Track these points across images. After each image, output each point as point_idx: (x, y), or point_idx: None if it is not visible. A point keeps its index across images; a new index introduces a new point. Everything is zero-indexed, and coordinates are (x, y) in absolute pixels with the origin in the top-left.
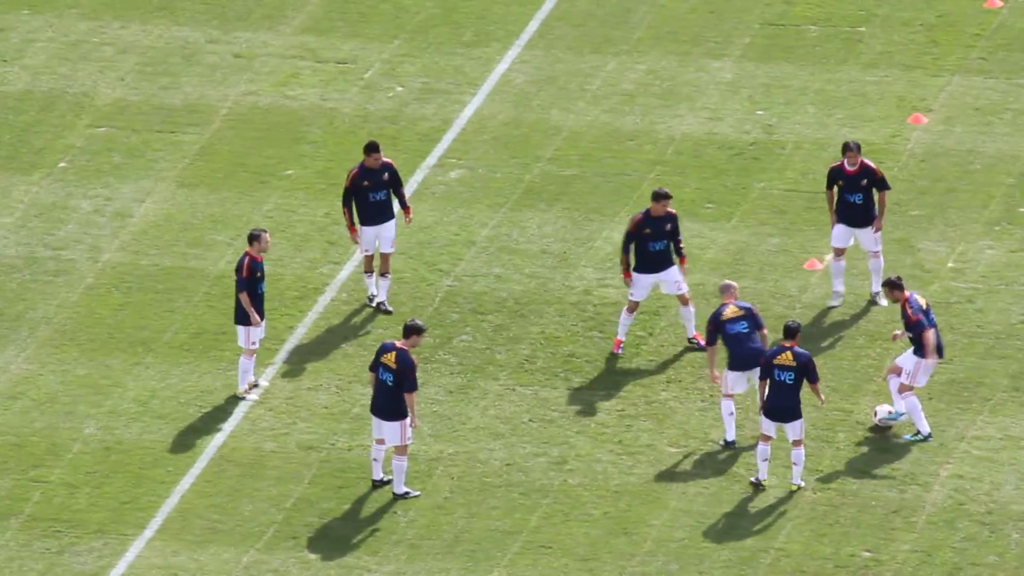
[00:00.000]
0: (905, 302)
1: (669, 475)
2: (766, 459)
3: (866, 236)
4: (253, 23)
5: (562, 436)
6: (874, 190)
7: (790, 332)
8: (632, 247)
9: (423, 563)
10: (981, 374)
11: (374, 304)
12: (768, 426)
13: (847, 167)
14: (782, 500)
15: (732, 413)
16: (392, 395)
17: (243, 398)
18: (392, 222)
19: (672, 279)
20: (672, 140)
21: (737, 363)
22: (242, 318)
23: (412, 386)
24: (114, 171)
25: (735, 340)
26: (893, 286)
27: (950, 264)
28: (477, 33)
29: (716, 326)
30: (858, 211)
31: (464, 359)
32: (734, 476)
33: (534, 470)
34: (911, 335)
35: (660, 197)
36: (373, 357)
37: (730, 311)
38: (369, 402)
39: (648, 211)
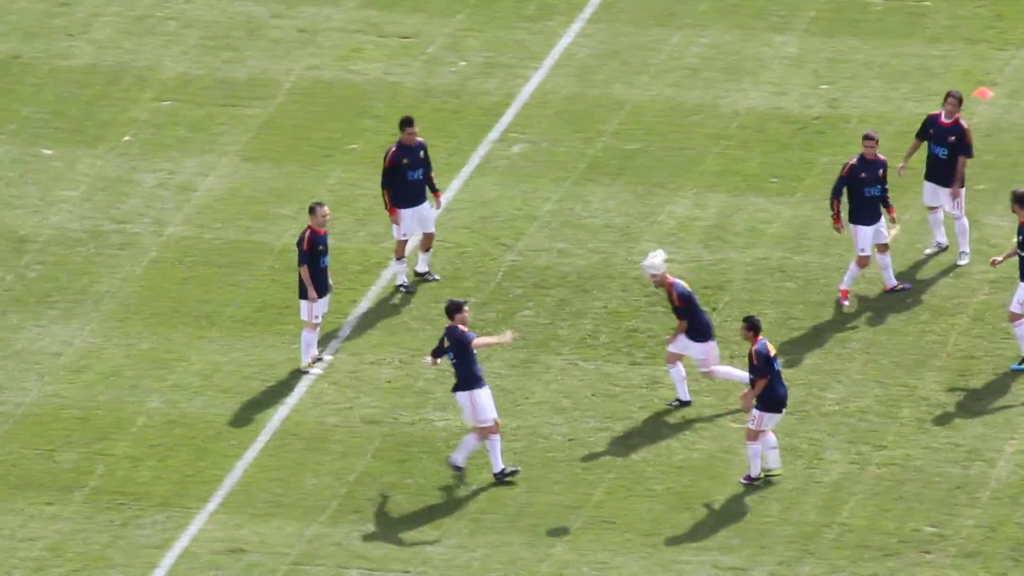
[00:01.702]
0: None
1: (732, 450)
2: (759, 456)
3: (944, 195)
4: None
5: (625, 411)
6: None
7: (758, 326)
8: (844, 193)
9: (485, 537)
10: None
11: (411, 290)
12: (771, 421)
13: (943, 118)
14: (845, 475)
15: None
16: (459, 369)
17: (306, 372)
18: (427, 203)
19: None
20: (736, 114)
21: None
22: (305, 292)
23: (468, 338)
24: (178, 145)
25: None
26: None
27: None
28: (540, 7)
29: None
30: (942, 166)
31: (527, 334)
32: (796, 451)
33: (597, 445)
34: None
35: (869, 138)
36: (438, 344)
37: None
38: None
39: (862, 155)
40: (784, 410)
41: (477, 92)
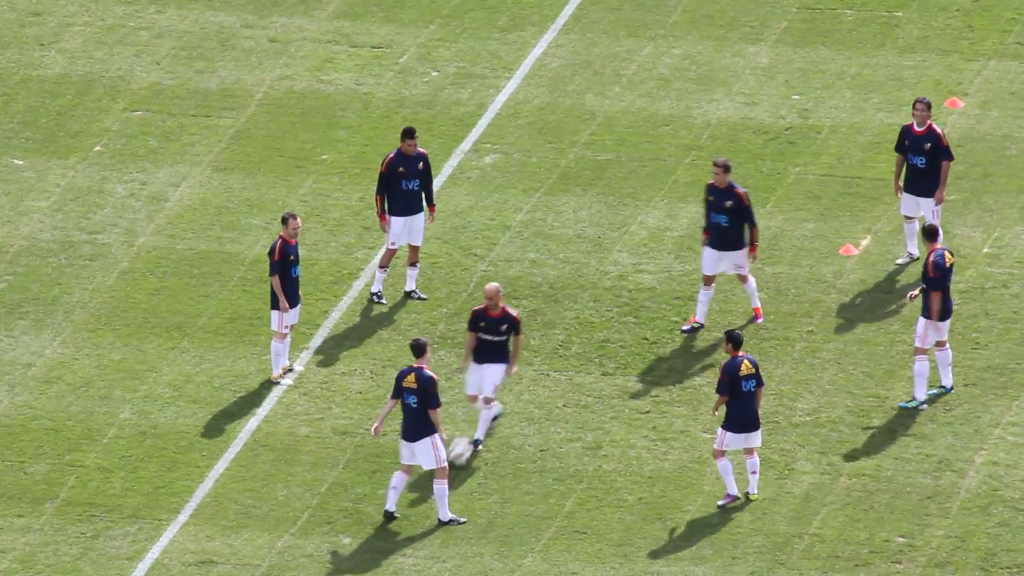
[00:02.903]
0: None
1: (703, 460)
2: (731, 472)
3: (926, 205)
4: (288, 8)
5: (596, 422)
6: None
7: (739, 342)
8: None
9: (457, 548)
10: (1016, 360)
11: (382, 300)
12: (732, 441)
13: (915, 127)
14: (816, 486)
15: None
16: (418, 416)
17: (277, 383)
18: (421, 214)
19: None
20: (708, 125)
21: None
22: (276, 302)
23: (435, 402)
24: (149, 155)
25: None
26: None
27: (986, 249)
28: (512, 17)
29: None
30: (920, 175)
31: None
32: (768, 462)
33: (568, 455)
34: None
35: (716, 165)
36: (393, 386)
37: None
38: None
39: (711, 183)
40: (747, 433)
41: (449, 102)
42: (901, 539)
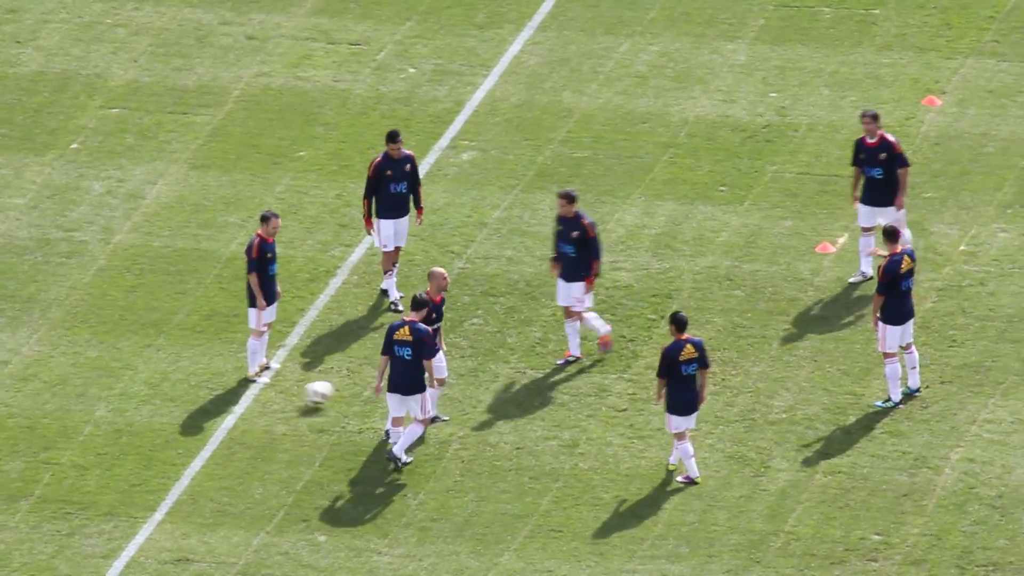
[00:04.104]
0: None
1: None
2: (692, 455)
3: (889, 215)
4: (266, 5)
5: (573, 420)
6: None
7: (684, 324)
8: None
9: (433, 546)
10: (993, 357)
11: (399, 308)
12: (680, 423)
13: (867, 139)
14: (792, 483)
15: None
16: (412, 369)
17: (254, 380)
18: (407, 217)
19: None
20: (685, 122)
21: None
22: (253, 300)
23: (432, 352)
24: (126, 152)
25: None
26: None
27: (962, 247)
28: (490, 14)
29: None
30: (878, 187)
31: (475, 342)
32: (744, 460)
33: (545, 454)
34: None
35: (562, 197)
36: (384, 341)
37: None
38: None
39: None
40: (689, 414)
41: (427, 99)
42: (877, 537)
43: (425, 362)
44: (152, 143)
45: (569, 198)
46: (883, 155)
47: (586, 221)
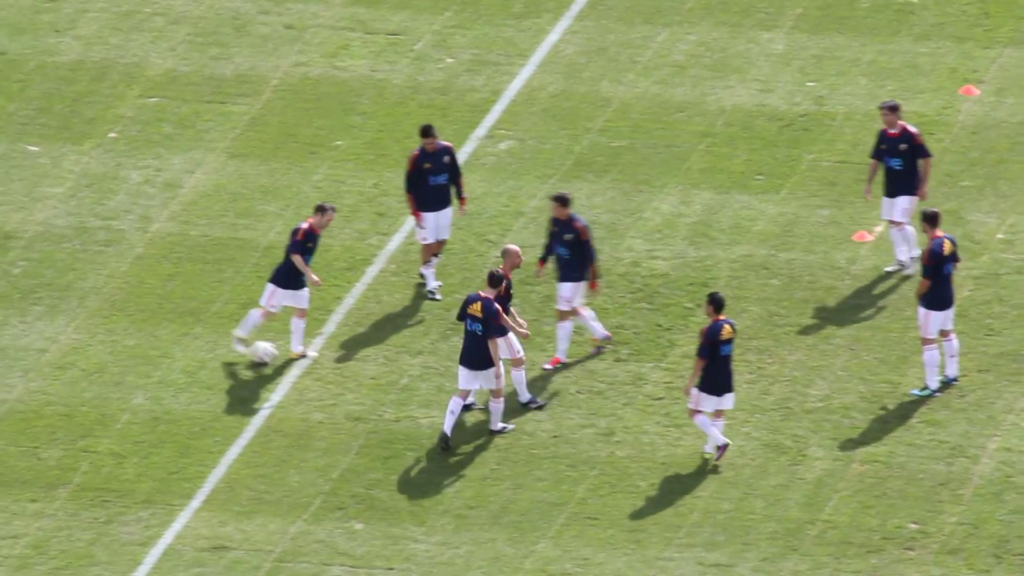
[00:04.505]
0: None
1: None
2: (710, 425)
3: (899, 204)
4: None
5: (609, 408)
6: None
7: (721, 304)
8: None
9: (469, 533)
10: None
11: (437, 297)
12: (708, 403)
13: (888, 130)
14: (828, 472)
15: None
16: (483, 345)
17: (303, 356)
18: (450, 209)
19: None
20: (722, 112)
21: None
22: (288, 280)
23: (496, 331)
24: (164, 141)
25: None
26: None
27: (1000, 235)
28: (527, 4)
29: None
30: (897, 177)
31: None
32: (780, 447)
33: (581, 442)
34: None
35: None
36: (459, 308)
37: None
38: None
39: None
40: (722, 395)
41: (464, 89)
42: (913, 525)
43: (489, 341)
44: (190, 132)
45: (562, 200)
46: (904, 145)
47: (579, 224)
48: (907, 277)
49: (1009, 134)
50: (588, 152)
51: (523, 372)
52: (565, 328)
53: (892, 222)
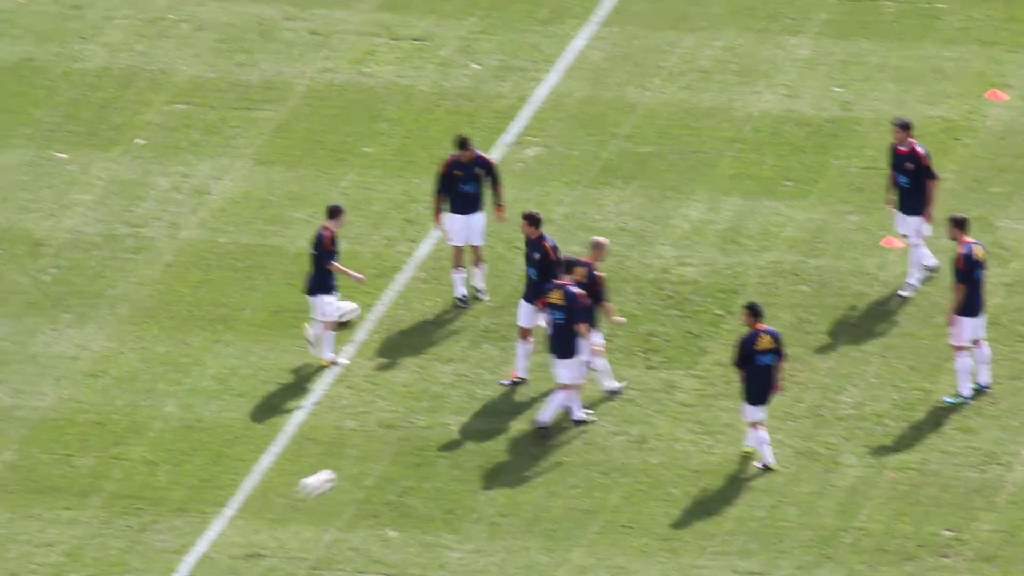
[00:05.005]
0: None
1: (749, 454)
2: (767, 442)
3: (909, 223)
4: (329, 0)
5: (641, 415)
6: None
7: (759, 313)
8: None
9: (503, 541)
10: None
11: (465, 303)
12: (754, 412)
13: (898, 146)
14: (862, 479)
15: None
16: (564, 332)
17: (334, 363)
18: (481, 214)
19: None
20: (750, 117)
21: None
22: (326, 287)
23: (585, 316)
24: (191, 148)
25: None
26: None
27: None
28: (553, 10)
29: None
30: (905, 194)
31: (542, 338)
32: (814, 455)
33: (614, 449)
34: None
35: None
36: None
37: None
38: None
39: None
40: (764, 403)
41: (490, 95)
42: (948, 533)
43: (579, 326)
44: (217, 139)
45: (532, 220)
46: (909, 164)
47: (548, 244)
48: (934, 284)
49: None
50: (615, 158)
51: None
52: (527, 347)
53: (904, 235)
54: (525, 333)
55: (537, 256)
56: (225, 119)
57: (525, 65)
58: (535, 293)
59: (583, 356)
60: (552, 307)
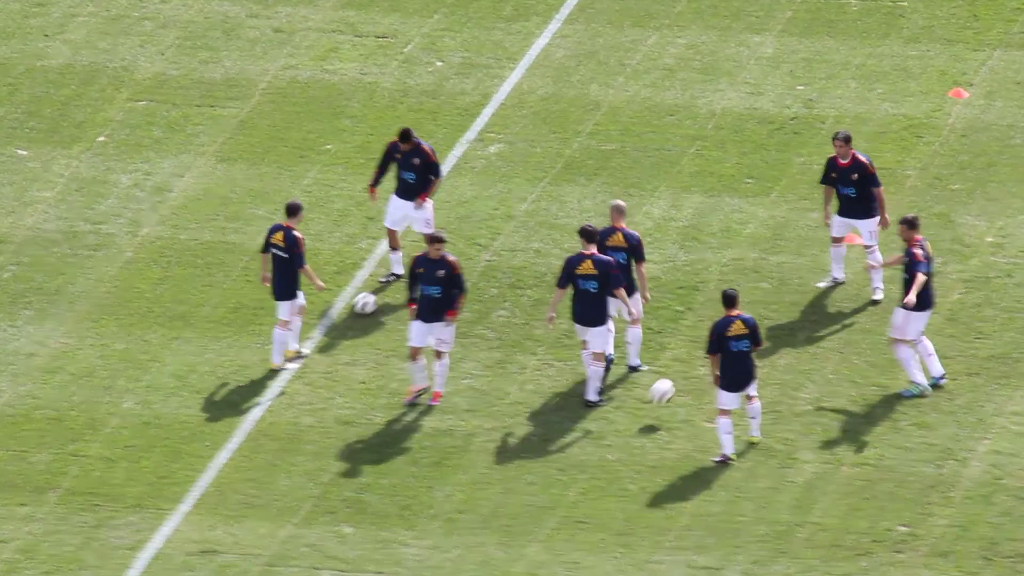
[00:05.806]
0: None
1: (706, 450)
2: (730, 432)
3: (864, 228)
4: None
5: (600, 411)
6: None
7: (733, 300)
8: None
9: (460, 538)
10: (1020, 349)
11: (388, 281)
12: (729, 399)
13: (839, 159)
14: (818, 475)
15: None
16: (596, 301)
17: (282, 368)
18: (428, 204)
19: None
20: (712, 115)
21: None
22: (290, 292)
23: (619, 281)
24: (154, 145)
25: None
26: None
27: (989, 239)
28: (517, 7)
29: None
30: (851, 203)
31: (502, 334)
32: (770, 451)
33: (571, 445)
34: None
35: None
36: (560, 274)
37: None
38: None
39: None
40: (739, 391)
41: (454, 92)
42: (903, 528)
43: (618, 291)
44: (179, 136)
45: (433, 240)
46: (855, 175)
47: (451, 259)
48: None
49: (999, 137)
50: (578, 155)
51: (639, 331)
52: (419, 364)
53: (836, 239)
54: (415, 353)
55: (441, 273)
56: (188, 116)
57: (488, 62)
58: (432, 312)
59: (610, 325)
60: (583, 278)
